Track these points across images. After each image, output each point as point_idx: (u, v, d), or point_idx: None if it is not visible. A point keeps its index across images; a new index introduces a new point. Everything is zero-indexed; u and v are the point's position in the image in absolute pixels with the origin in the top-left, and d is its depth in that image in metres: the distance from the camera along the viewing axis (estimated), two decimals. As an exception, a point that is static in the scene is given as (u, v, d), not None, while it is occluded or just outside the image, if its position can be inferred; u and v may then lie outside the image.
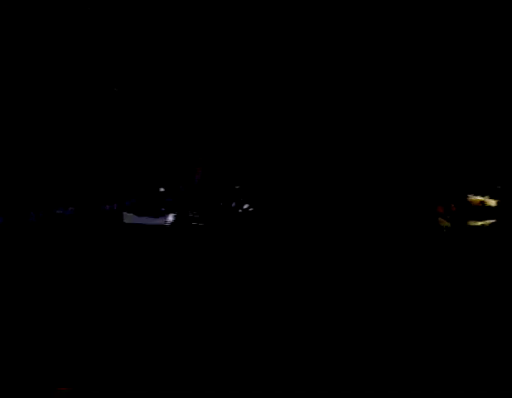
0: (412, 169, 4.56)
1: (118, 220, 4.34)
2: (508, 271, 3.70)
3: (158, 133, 4.69)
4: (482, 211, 4.28)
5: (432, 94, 4.50)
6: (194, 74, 4.74)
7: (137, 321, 2.79)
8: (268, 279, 3.80)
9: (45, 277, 3.54)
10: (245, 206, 4.68)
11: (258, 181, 4.70)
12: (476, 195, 4.30)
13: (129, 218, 4.52)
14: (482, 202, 4.32)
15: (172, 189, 4.57)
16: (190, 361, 2.28)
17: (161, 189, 4.59)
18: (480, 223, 4.07)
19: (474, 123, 4.42)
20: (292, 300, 3.32)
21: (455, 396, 1.98)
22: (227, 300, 3.32)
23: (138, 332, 2.65)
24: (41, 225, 3.80)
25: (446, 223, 4.15)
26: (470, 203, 4.36)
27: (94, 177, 4.42)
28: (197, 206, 4.61)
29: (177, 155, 4.69)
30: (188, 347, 2.44)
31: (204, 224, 4.47)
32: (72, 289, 3.34)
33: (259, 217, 4.61)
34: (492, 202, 4.26)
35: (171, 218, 4.49)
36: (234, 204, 4.52)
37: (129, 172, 4.51)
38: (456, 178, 4.37)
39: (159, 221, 4.51)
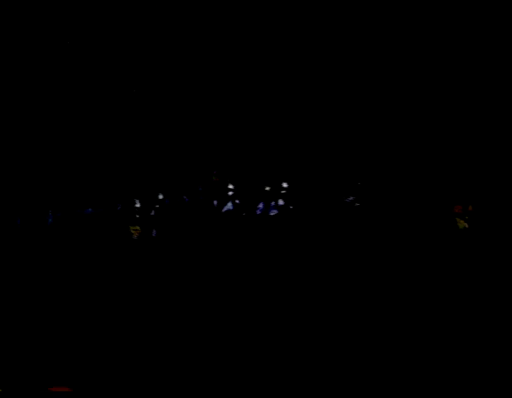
0: (431, 169, 4.49)
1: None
2: None
3: (179, 138, 4.81)
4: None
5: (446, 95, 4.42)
6: (219, 82, 4.83)
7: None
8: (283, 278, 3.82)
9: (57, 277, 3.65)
10: (260, 206, 4.74)
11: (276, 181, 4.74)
12: None
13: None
14: None
15: (190, 190, 4.68)
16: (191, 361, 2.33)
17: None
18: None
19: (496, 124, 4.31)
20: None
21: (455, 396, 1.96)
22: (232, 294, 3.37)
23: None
24: (58, 227, 3.91)
25: (463, 223, 4.05)
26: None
27: (114, 178, 4.57)
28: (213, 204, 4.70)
29: (195, 159, 4.80)
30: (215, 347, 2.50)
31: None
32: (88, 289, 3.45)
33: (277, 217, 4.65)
34: None
35: None
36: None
37: (148, 173, 4.65)
38: (474, 178, 4.28)
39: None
